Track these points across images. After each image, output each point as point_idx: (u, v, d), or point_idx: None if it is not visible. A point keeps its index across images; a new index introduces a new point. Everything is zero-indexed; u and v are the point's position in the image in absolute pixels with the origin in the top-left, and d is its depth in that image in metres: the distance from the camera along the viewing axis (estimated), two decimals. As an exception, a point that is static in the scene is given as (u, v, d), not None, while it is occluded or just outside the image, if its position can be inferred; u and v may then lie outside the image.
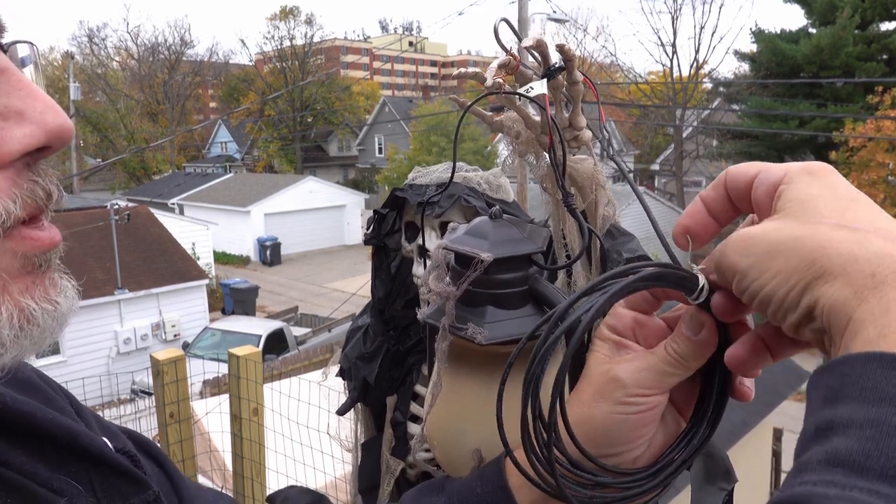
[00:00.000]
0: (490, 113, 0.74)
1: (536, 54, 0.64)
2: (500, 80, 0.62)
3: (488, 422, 0.58)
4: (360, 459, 1.36)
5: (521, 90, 0.62)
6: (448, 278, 0.58)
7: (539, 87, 0.61)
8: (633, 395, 0.48)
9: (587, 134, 0.71)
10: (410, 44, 63.25)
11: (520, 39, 0.63)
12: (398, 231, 1.14)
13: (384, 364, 1.17)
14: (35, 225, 0.39)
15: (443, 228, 0.91)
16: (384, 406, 1.24)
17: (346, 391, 1.35)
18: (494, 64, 0.63)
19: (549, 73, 0.63)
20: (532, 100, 0.62)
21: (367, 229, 1.18)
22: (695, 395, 0.53)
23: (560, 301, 0.57)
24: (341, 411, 1.34)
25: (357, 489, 1.36)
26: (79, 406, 0.58)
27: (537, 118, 0.69)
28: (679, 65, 38.81)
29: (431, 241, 0.94)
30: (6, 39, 0.41)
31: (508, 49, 0.64)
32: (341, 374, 1.34)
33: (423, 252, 1.02)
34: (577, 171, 0.71)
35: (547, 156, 0.69)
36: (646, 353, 0.50)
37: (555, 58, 0.63)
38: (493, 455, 0.58)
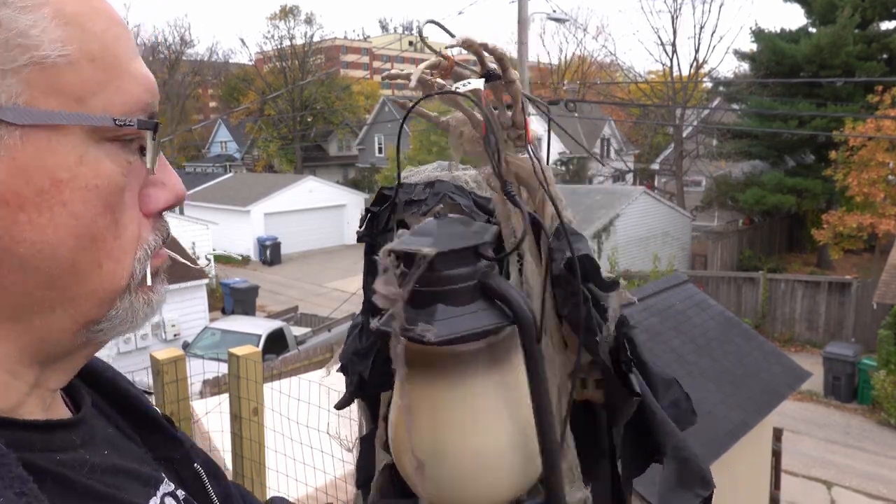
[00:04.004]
0: (435, 114, 0.74)
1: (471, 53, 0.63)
2: (429, 80, 0.62)
3: (453, 428, 0.57)
4: (358, 454, 1.36)
5: (455, 86, 0.61)
6: (397, 282, 0.56)
7: (474, 84, 0.61)
8: None
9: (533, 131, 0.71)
10: (410, 43, 63.23)
11: (452, 36, 0.62)
12: (391, 230, 1.14)
13: (377, 360, 1.18)
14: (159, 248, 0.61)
15: None
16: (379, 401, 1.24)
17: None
18: (422, 65, 0.62)
19: (487, 76, 0.63)
20: (464, 95, 0.61)
21: (360, 227, 1.18)
22: None
23: (513, 294, 0.55)
24: (339, 406, 1.35)
25: (356, 484, 1.36)
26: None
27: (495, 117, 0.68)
28: (679, 64, 38.85)
29: None
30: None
31: (439, 50, 0.63)
32: (342, 369, 1.35)
33: None
34: (522, 169, 0.70)
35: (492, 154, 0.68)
36: None
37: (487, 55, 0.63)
38: (464, 461, 0.57)
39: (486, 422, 0.57)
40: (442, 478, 0.57)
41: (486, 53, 0.63)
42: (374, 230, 1.15)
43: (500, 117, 0.67)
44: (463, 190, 0.90)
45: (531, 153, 0.67)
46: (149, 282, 0.58)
